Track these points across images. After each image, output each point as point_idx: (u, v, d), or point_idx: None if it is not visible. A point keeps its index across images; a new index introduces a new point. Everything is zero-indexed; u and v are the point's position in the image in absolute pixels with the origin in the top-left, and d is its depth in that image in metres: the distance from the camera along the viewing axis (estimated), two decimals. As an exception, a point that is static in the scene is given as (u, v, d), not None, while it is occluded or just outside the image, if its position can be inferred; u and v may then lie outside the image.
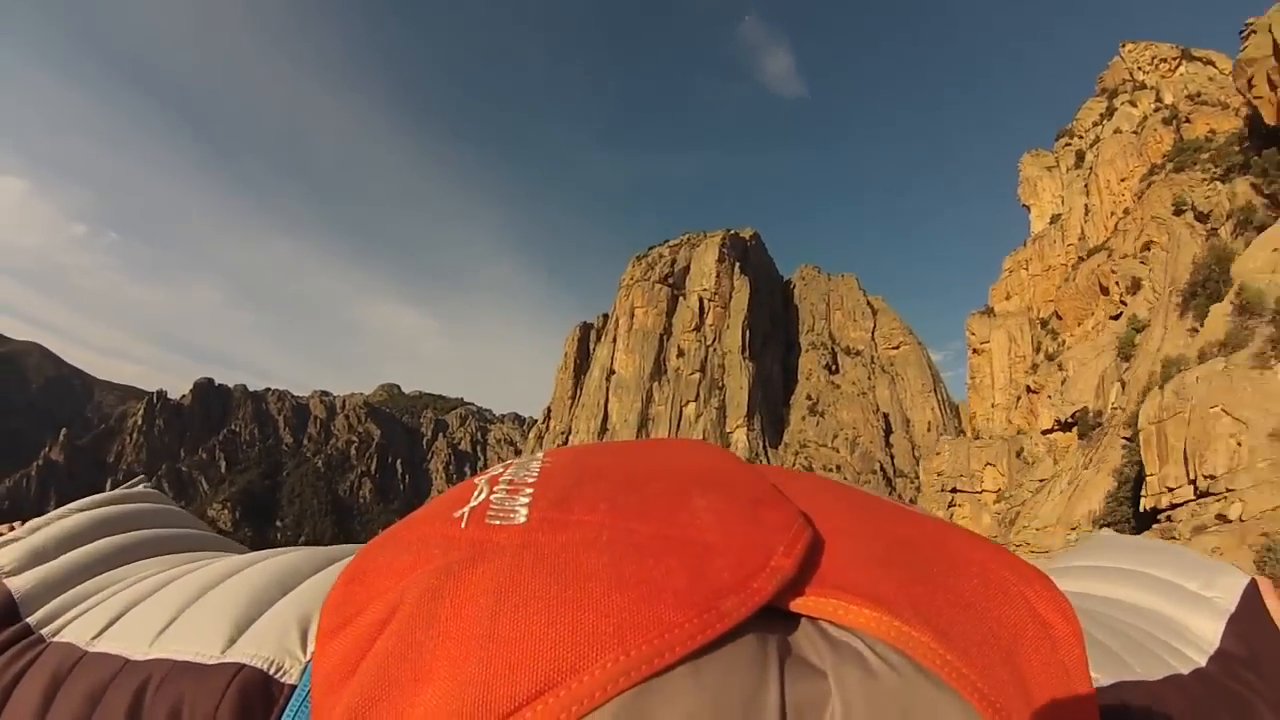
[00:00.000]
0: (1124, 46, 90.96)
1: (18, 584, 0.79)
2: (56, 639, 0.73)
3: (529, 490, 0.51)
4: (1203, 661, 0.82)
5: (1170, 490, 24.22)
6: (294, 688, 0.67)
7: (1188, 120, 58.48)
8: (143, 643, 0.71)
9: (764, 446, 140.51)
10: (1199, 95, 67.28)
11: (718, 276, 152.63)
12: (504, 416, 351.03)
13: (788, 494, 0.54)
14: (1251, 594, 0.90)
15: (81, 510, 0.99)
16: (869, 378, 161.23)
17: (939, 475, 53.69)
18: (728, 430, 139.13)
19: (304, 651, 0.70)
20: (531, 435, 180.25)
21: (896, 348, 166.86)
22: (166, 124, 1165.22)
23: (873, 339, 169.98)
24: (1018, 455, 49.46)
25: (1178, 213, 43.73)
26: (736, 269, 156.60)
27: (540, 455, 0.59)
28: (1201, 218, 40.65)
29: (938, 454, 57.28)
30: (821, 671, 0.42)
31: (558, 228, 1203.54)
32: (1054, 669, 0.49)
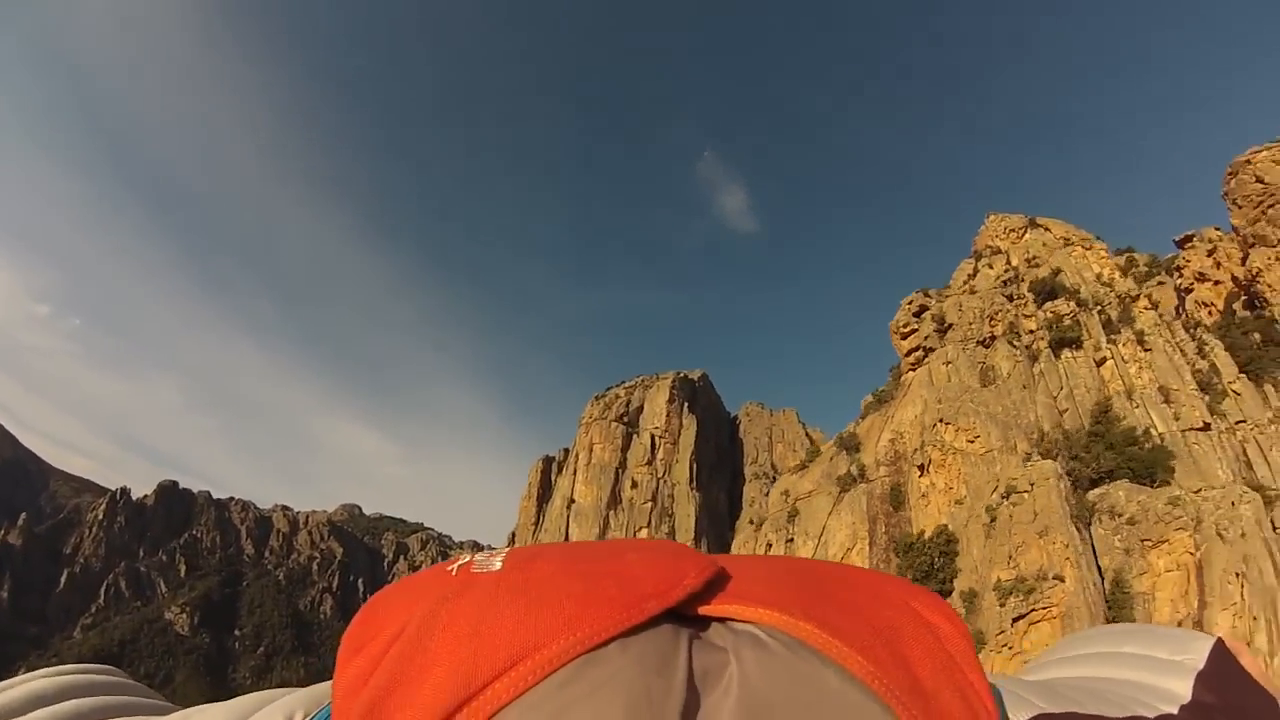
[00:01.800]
0: (989, 216, 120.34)
1: None
2: None
3: (502, 555, 0.83)
4: (1174, 710, 1.00)
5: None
6: None
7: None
8: None
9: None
10: (1033, 259, 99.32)
11: (668, 416, 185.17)
12: (463, 543, 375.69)
13: (709, 556, 0.81)
14: (1220, 651, 1.09)
15: (43, 677, 1.29)
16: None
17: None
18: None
19: None
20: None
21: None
22: (143, 214, 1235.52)
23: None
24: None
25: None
26: (685, 408, 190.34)
27: (504, 548, 0.90)
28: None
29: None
30: (723, 648, 0.67)
31: (518, 358, 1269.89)
32: (938, 655, 0.71)
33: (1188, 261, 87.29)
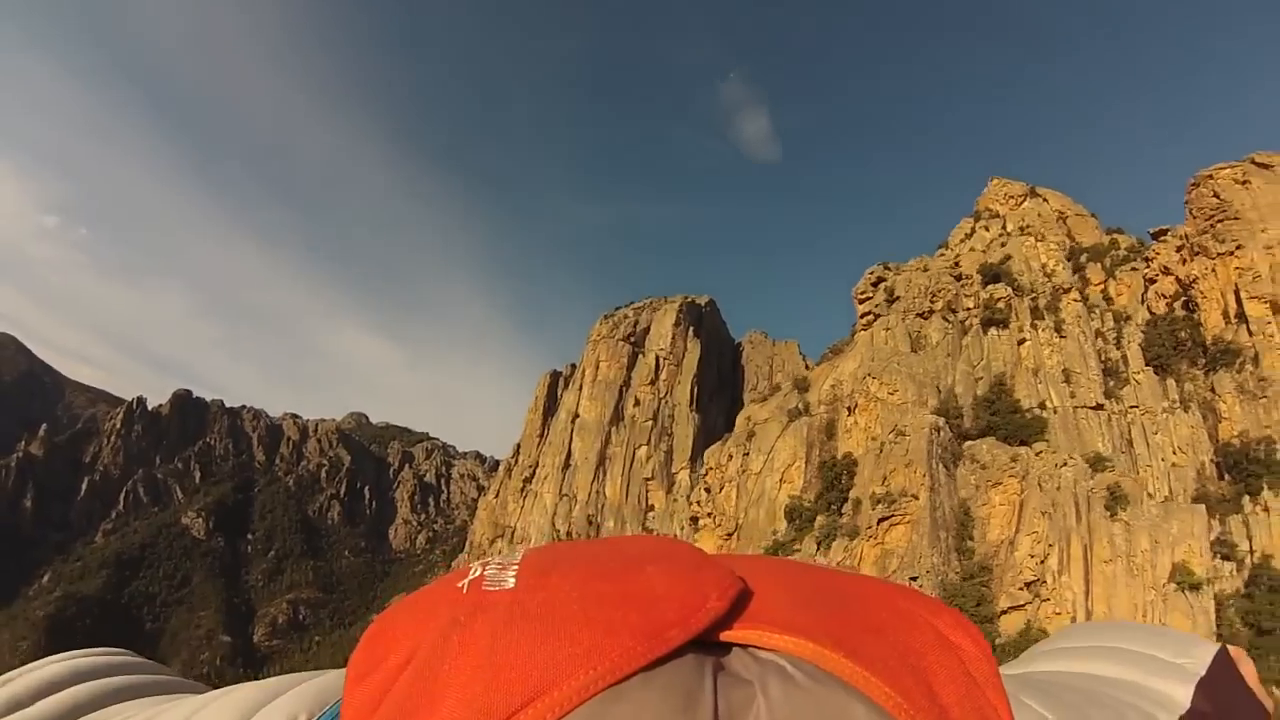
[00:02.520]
0: (992, 181, 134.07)
1: None
2: None
3: (515, 566, 0.83)
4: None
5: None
6: None
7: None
8: None
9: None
10: (1027, 226, 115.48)
11: (673, 339, 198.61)
12: (466, 453, 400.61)
13: (727, 564, 0.83)
14: (1222, 658, 1.14)
15: (55, 662, 1.33)
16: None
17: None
18: (673, 471, 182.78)
19: None
20: (501, 467, 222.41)
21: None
22: (150, 121, 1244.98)
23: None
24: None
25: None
26: (690, 333, 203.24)
27: (520, 550, 0.92)
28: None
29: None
30: (749, 681, 0.68)
31: (527, 271, 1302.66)
32: (961, 679, 0.74)
33: (1157, 254, 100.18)
